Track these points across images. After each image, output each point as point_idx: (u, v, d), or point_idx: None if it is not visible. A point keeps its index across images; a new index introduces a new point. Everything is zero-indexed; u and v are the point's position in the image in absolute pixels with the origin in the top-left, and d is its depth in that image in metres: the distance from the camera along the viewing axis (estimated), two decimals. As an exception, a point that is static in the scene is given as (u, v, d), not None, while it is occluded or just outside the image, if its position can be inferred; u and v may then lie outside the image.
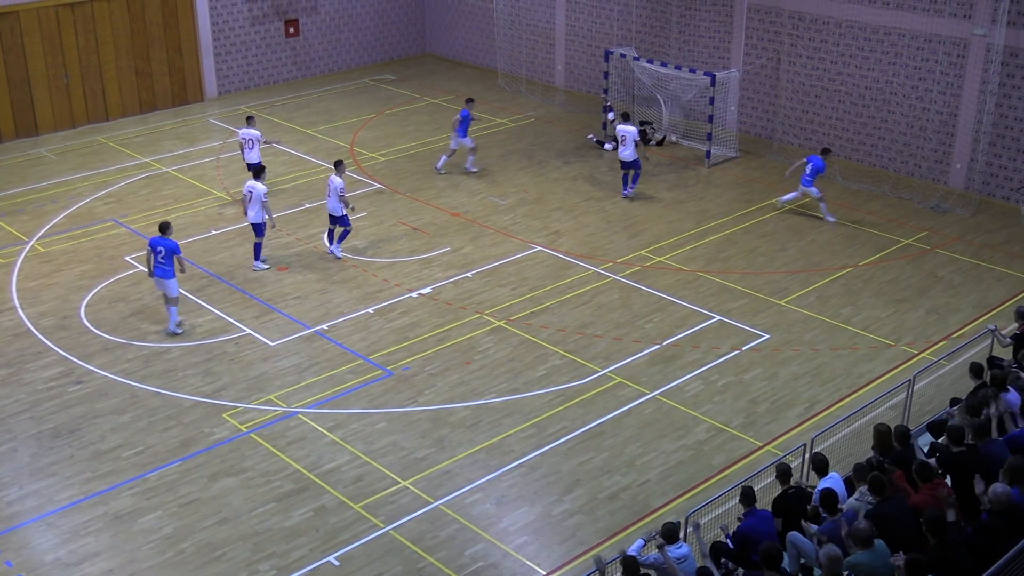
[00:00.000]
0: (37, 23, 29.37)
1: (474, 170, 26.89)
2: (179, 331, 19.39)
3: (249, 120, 24.88)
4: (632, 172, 25.23)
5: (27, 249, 22.94)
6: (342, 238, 22.41)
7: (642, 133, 26.75)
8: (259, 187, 21.37)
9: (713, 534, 13.29)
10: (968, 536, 11.15)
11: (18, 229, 23.93)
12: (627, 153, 24.92)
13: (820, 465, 12.82)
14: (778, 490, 12.78)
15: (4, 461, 16.01)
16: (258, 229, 21.65)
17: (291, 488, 15.41)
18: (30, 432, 16.70)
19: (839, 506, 11.85)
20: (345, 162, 23.37)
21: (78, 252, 22.77)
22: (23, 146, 29.24)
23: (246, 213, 21.46)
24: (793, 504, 12.47)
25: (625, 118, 25.61)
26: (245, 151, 24.48)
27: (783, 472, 12.76)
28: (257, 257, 21.89)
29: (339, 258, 22.26)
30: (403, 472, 15.72)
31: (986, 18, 24.20)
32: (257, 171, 21.98)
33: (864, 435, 15.82)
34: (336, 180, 21.84)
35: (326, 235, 22.73)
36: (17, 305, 20.58)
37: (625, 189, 25.46)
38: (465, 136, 26.58)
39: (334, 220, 22.14)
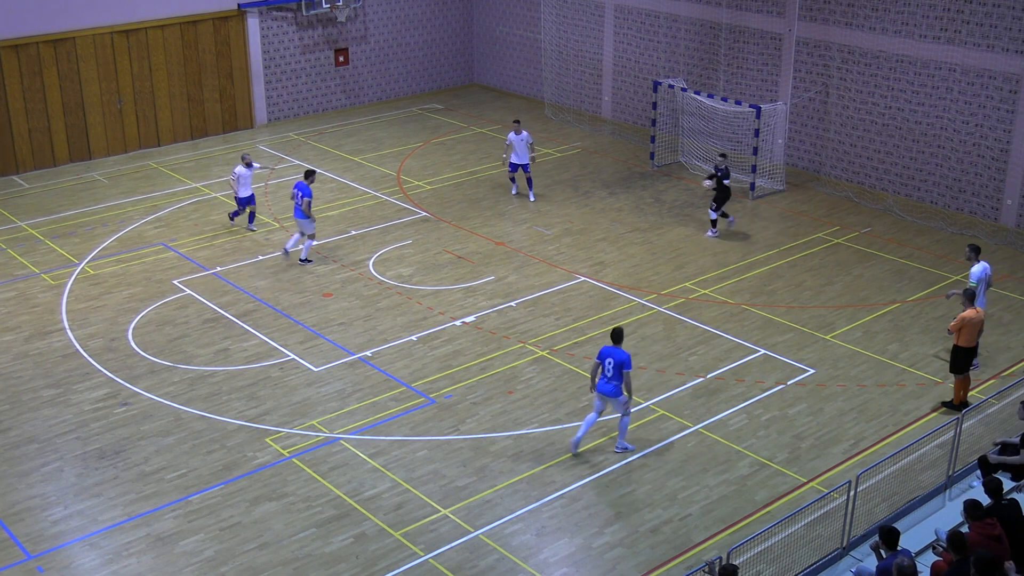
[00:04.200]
0: (92, 49, 29.89)
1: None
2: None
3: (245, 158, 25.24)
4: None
5: (77, 271, 23.25)
6: (528, 184, 27.20)
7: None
8: None
9: (756, 570, 13.14)
10: None
11: (69, 251, 24.27)
12: None
13: (891, 538, 12.44)
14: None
15: (50, 481, 16.17)
16: None
17: (332, 514, 15.42)
18: (76, 452, 16.87)
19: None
20: (521, 121, 28.21)
21: (127, 275, 23.04)
22: (76, 170, 29.70)
23: None
24: None
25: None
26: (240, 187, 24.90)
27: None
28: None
29: (532, 200, 26.94)
30: (444, 500, 15.69)
31: (1039, 53, 23.99)
32: None
33: (910, 473, 15.63)
34: (516, 136, 26.43)
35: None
36: (67, 326, 20.84)
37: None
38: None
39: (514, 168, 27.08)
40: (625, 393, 16.31)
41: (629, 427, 16.96)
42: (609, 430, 17.30)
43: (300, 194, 22.94)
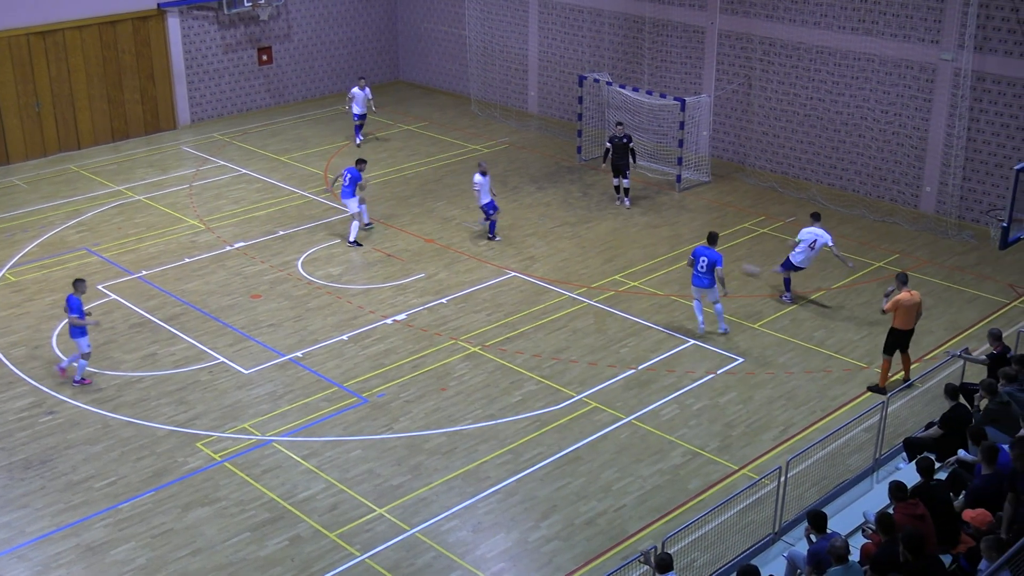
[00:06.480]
0: (8, 51, 29.24)
1: None
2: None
3: None
4: None
5: (-2, 278, 22.78)
6: (356, 131, 30.47)
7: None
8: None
9: (690, 555, 13.27)
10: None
11: (-11, 258, 23.77)
12: None
13: (819, 522, 12.64)
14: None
15: (-26, 493, 15.84)
16: None
17: (266, 517, 15.29)
18: (1, 463, 16.51)
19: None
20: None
21: (49, 281, 22.61)
22: (-6, 175, 29.09)
23: None
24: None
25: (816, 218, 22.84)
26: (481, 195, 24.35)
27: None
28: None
29: (357, 143, 30.23)
30: (379, 500, 15.64)
31: (953, 43, 24.49)
32: None
33: (838, 457, 15.91)
34: (360, 91, 30.18)
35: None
36: (-12, 335, 20.40)
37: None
38: None
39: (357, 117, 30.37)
40: (719, 285, 19.46)
41: (723, 312, 20.09)
42: (542, 424, 17.39)
43: (348, 176, 24.18)
